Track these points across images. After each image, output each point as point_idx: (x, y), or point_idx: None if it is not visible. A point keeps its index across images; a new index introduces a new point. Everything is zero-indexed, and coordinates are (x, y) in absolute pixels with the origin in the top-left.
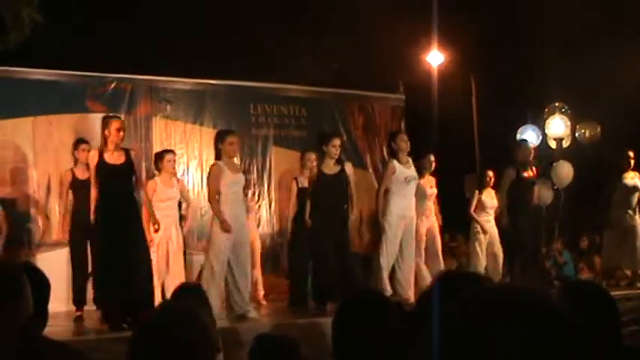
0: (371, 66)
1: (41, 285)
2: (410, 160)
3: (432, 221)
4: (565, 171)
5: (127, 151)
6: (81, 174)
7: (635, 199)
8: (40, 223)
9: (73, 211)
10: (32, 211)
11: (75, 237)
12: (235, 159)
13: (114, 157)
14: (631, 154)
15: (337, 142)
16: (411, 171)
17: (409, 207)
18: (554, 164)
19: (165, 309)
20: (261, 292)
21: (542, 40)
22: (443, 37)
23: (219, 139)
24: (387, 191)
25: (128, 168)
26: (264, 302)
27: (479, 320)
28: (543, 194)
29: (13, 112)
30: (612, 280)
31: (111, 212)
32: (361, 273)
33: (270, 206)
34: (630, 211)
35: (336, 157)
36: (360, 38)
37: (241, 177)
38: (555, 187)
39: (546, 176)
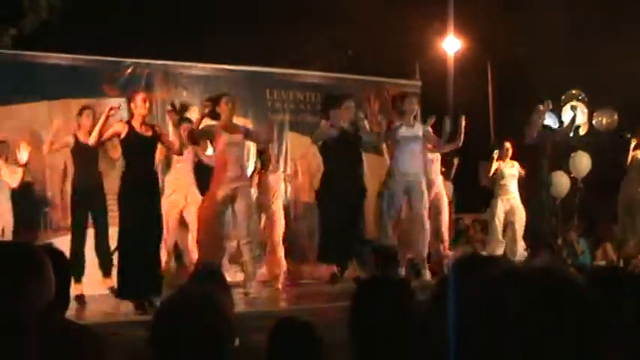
0: (386, 52)
1: (63, 267)
2: (416, 122)
3: (436, 192)
4: (583, 162)
5: (152, 126)
6: (84, 138)
7: None
8: (57, 206)
9: (74, 176)
10: (49, 194)
11: (77, 204)
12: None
13: (142, 130)
14: None
15: (351, 103)
16: (412, 131)
17: (412, 165)
18: (572, 155)
19: (185, 293)
20: (281, 276)
21: (560, 26)
22: (459, 23)
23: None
24: (392, 154)
25: (154, 142)
26: (279, 286)
27: (498, 296)
28: (560, 184)
29: (30, 97)
30: (629, 267)
31: (135, 185)
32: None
33: (286, 192)
34: None
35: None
36: (376, 24)
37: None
38: (572, 175)
39: (564, 165)
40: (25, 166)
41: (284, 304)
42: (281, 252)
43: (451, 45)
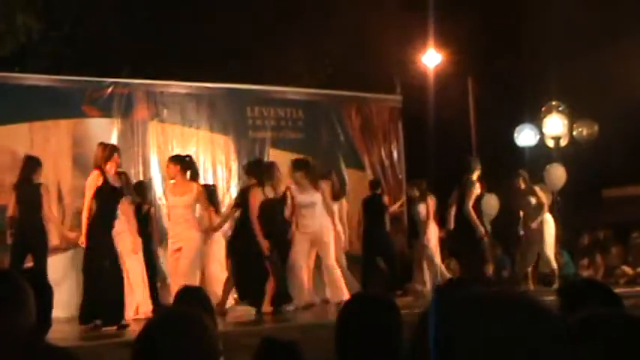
0: (367, 67)
1: (43, 291)
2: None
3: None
4: (559, 174)
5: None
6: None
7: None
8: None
9: (20, 220)
10: None
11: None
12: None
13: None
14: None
15: None
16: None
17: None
18: (548, 167)
19: (166, 313)
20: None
21: (539, 38)
22: (439, 37)
23: None
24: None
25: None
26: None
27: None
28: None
29: (10, 118)
30: (611, 278)
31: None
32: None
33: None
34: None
35: None
36: (356, 39)
37: None
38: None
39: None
40: None
41: (270, 323)
42: None
43: (431, 59)
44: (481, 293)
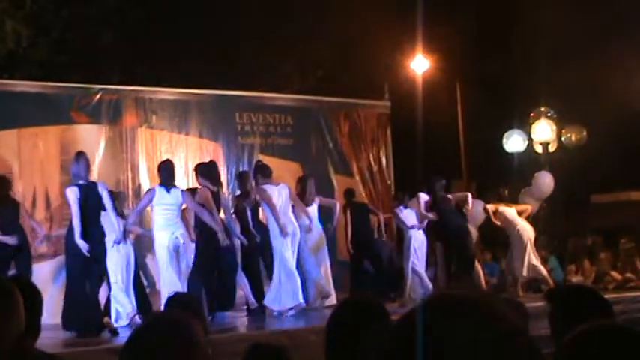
0: (356, 73)
1: (33, 298)
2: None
3: None
4: (547, 181)
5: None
6: None
7: None
8: (36, 233)
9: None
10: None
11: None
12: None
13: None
14: None
15: None
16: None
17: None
18: (536, 174)
19: (155, 320)
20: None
21: (528, 45)
22: (428, 43)
23: None
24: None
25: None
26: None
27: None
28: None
29: None
30: (600, 284)
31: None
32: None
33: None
34: None
35: None
36: (345, 45)
37: None
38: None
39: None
40: None
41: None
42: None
43: (420, 65)
44: (457, 295)
